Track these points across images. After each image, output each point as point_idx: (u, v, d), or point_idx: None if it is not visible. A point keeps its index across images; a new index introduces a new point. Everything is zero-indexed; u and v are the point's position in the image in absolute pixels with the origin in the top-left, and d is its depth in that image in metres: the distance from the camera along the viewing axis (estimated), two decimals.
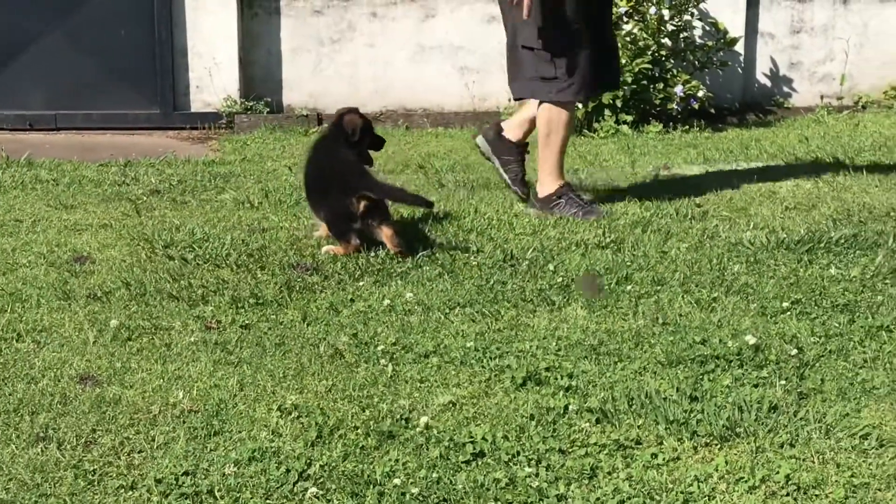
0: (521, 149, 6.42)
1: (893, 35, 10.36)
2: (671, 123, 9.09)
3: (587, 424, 3.33)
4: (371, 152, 5.77)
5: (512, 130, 6.43)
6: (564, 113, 6.05)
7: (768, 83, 10.41)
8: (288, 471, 3.04)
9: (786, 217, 5.90)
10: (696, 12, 9.53)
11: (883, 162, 7.45)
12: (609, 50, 6.30)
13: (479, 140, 6.59)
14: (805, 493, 2.89)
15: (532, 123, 6.30)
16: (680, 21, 9.33)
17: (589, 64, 5.99)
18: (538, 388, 3.62)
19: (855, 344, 3.96)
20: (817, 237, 5.38)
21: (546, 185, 6.13)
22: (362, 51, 10.07)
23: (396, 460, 3.11)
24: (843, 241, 5.32)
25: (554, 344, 4.01)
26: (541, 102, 6.07)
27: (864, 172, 7.04)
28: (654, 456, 3.13)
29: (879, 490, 2.90)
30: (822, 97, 10.27)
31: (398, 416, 3.40)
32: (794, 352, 3.86)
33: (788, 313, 4.30)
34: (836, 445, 3.16)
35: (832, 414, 3.36)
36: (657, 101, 9.12)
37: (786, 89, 10.41)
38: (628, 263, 5.01)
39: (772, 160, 7.74)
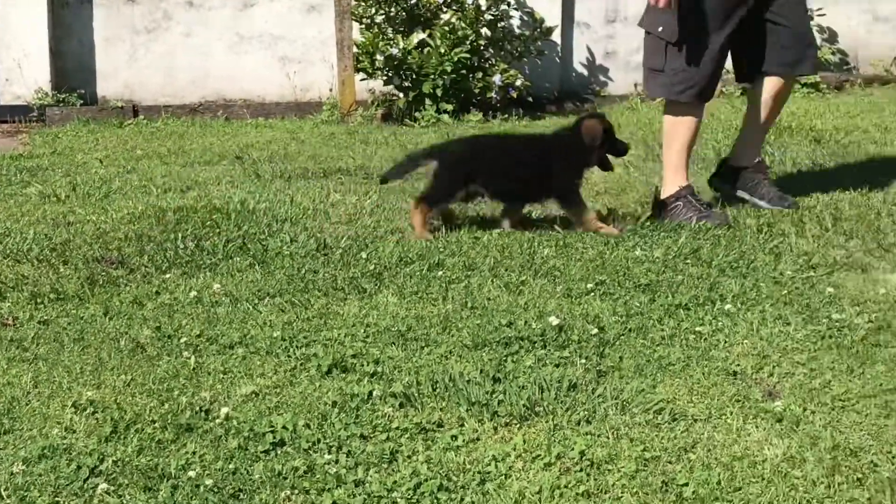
0: (759, 166, 5.87)
1: None
2: (491, 112, 9.20)
3: (390, 409, 3.33)
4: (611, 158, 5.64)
5: (740, 157, 5.89)
6: (688, 111, 5.57)
7: (585, 72, 10.62)
8: (79, 467, 2.95)
9: (596, 201, 6.01)
10: (513, 2, 9.66)
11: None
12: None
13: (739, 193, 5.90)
14: (598, 468, 2.94)
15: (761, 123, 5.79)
16: (497, 11, 9.44)
17: (713, 61, 5.48)
18: (344, 375, 3.60)
19: (654, 322, 4.06)
20: (625, 221, 5.51)
21: (668, 186, 5.68)
22: (179, 40, 9.90)
23: (193, 453, 3.04)
24: (649, 223, 5.46)
25: (362, 331, 4.00)
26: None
27: None
28: (455, 438, 3.14)
29: (670, 462, 2.98)
30: (636, 85, 10.52)
31: (198, 409, 3.34)
32: (596, 331, 3.93)
33: (592, 294, 4.38)
34: (630, 421, 3.23)
35: (629, 390, 3.43)
36: (476, 91, 9.21)
37: (602, 78, 10.64)
38: (441, 249, 5.04)
39: None
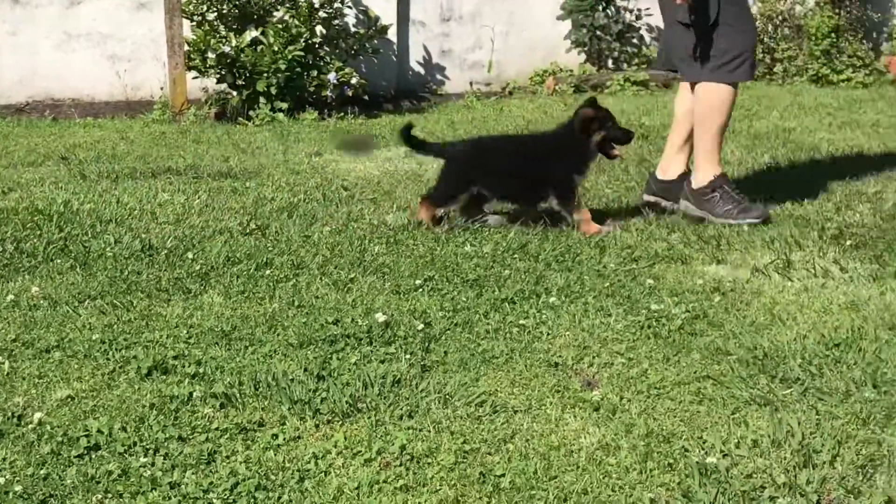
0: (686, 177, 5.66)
1: (537, 23, 10.84)
2: (326, 111, 9.14)
3: (210, 410, 3.29)
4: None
5: (668, 168, 5.72)
6: (724, 95, 5.39)
7: (422, 70, 10.66)
8: None
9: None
10: (347, 0, 9.63)
11: None
12: None
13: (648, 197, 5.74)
14: (418, 462, 2.95)
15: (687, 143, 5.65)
16: (331, 9, 9.39)
17: (754, 29, 5.49)
18: (164, 377, 3.54)
19: (480, 316, 4.10)
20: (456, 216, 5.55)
21: (701, 173, 5.51)
22: (4, 39, 9.60)
23: (3, 459, 2.95)
24: (479, 219, 5.51)
25: (185, 332, 3.93)
26: (695, 84, 5.47)
27: None
28: (275, 437, 3.11)
29: (489, 454, 3.01)
30: (472, 83, 10.63)
31: (10, 414, 3.24)
32: (422, 327, 3.95)
33: (420, 290, 4.39)
34: (452, 414, 3.26)
35: (452, 384, 3.46)
36: (311, 89, 9.15)
37: (439, 76, 10.70)
38: (270, 248, 4.99)
39: None
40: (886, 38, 11.34)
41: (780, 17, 11.20)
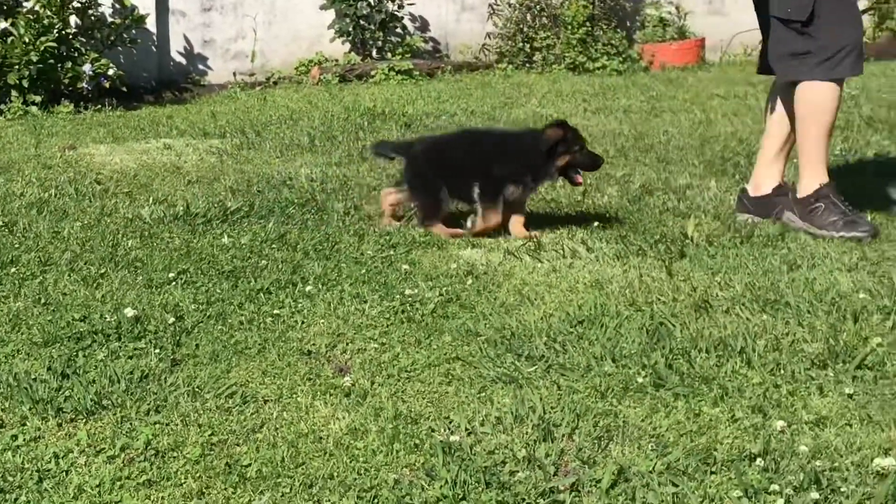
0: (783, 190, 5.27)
1: (300, 12, 10.80)
2: (83, 103, 8.88)
3: None
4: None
5: (762, 182, 5.31)
6: (828, 92, 4.96)
7: (184, 61, 10.48)
8: None
9: (187, 191, 5.95)
10: None
11: (286, 133, 7.76)
12: None
13: (742, 217, 5.30)
14: (163, 457, 2.91)
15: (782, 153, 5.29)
16: None
17: (859, 20, 5.09)
18: None
19: (234, 308, 4.06)
20: (215, 208, 5.48)
21: (805, 181, 5.08)
22: None
23: None
24: (239, 210, 5.46)
25: None
26: (795, 83, 5.04)
27: (268, 145, 7.30)
28: (15, 438, 3.01)
29: (237, 444, 2.99)
30: (235, 74, 10.52)
31: None
32: (173, 320, 3.89)
33: (174, 283, 4.32)
34: (201, 407, 3.22)
35: (202, 377, 3.42)
36: (66, 81, 8.87)
37: (201, 67, 10.54)
38: (17, 246, 4.82)
39: (182, 136, 7.79)
40: (639, 26, 11.81)
41: (538, 7, 11.51)
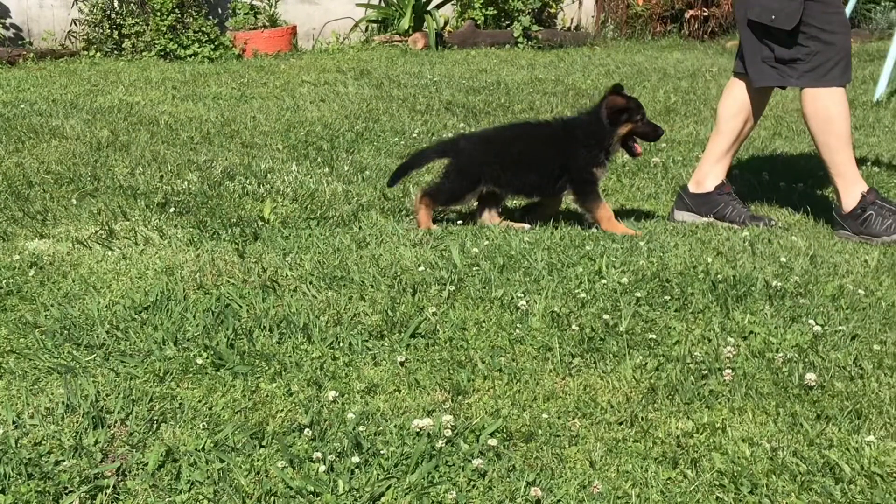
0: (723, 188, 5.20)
1: None
2: None
3: None
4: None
5: (703, 179, 5.22)
6: (833, 100, 4.82)
7: None
8: None
9: None
10: None
11: None
12: None
13: (681, 215, 5.22)
14: None
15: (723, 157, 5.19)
16: None
17: (847, 27, 4.88)
18: None
19: None
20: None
21: (846, 195, 4.90)
22: None
23: None
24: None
25: None
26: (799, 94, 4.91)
27: None
28: None
29: None
30: None
31: None
32: None
33: None
34: None
35: None
36: None
37: None
38: None
39: None
40: (231, 13, 11.76)
41: None
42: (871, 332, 3.56)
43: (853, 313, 3.73)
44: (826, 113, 4.84)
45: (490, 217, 4.99)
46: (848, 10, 10.62)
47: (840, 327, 3.58)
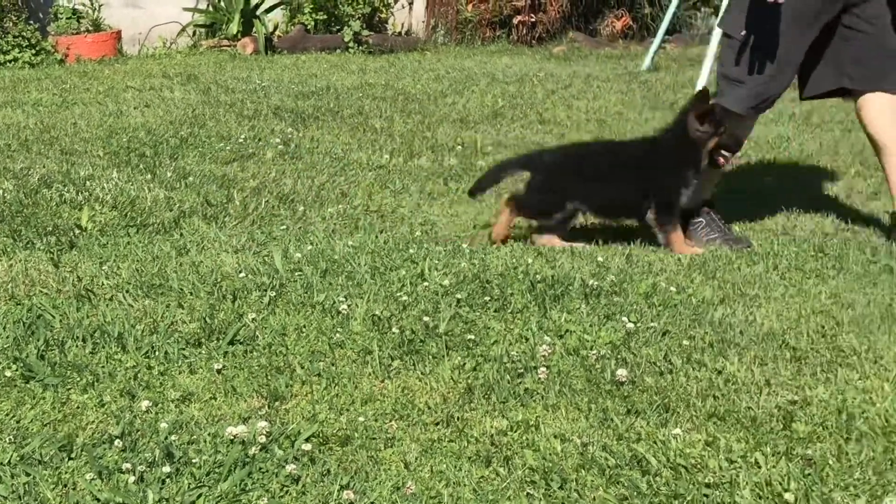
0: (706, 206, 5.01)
1: None
2: None
3: None
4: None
5: None
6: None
7: None
8: None
9: None
10: None
11: None
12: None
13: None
14: None
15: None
16: None
17: (784, 70, 4.67)
18: None
19: None
20: None
21: None
22: None
23: None
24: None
25: None
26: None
27: None
28: None
29: None
30: None
31: None
32: None
33: None
34: None
35: None
36: None
37: None
38: None
39: None
40: (53, 18, 11.44)
41: None
42: (681, 328, 3.67)
43: (665, 310, 3.84)
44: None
45: (550, 240, 4.83)
46: (668, 15, 10.96)
47: (652, 324, 3.68)
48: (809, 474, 2.67)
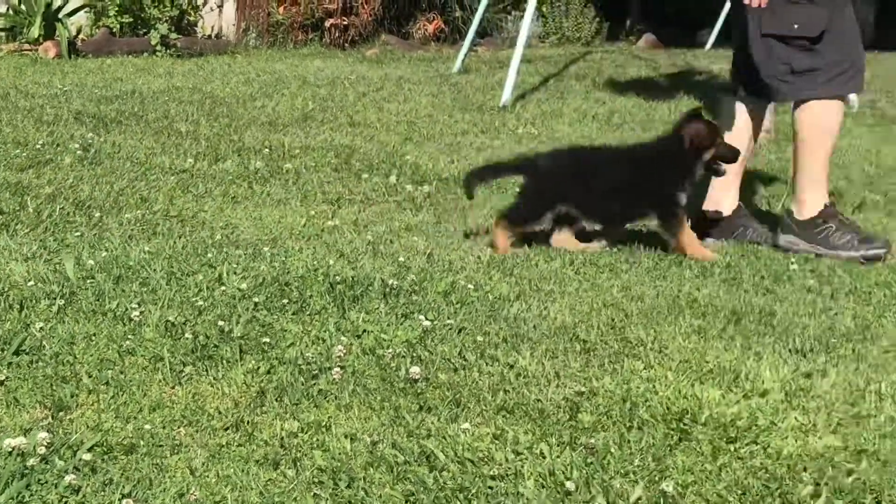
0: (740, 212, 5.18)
1: None
2: None
3: None
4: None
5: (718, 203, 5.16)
6: (835, 111, 4.83)
7: None
8: None
9: None
10: None
11: None
12: None
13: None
14: None
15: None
16: None
17: (859, 43, 4.88)
18: None
19: None
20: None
21: (807, 203, 4.89)
22: None
23: None
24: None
25: None
26: (798, 103, 4.87)
27: None
28: None
29: None
30: None
31: None
32: None
33: None
34: None
35: None
36: None
37: None
38: None
39: None
40: None
41: None
42: (476, 325, 3.72)
43: (462, 307, 3.89)
44: (827, 125, 4.85)
45: (562, 239, 4.84)
46: (476, 18, 11.10)
47: (448, 321, 3.72)
48: (591, 462, 2.73)
